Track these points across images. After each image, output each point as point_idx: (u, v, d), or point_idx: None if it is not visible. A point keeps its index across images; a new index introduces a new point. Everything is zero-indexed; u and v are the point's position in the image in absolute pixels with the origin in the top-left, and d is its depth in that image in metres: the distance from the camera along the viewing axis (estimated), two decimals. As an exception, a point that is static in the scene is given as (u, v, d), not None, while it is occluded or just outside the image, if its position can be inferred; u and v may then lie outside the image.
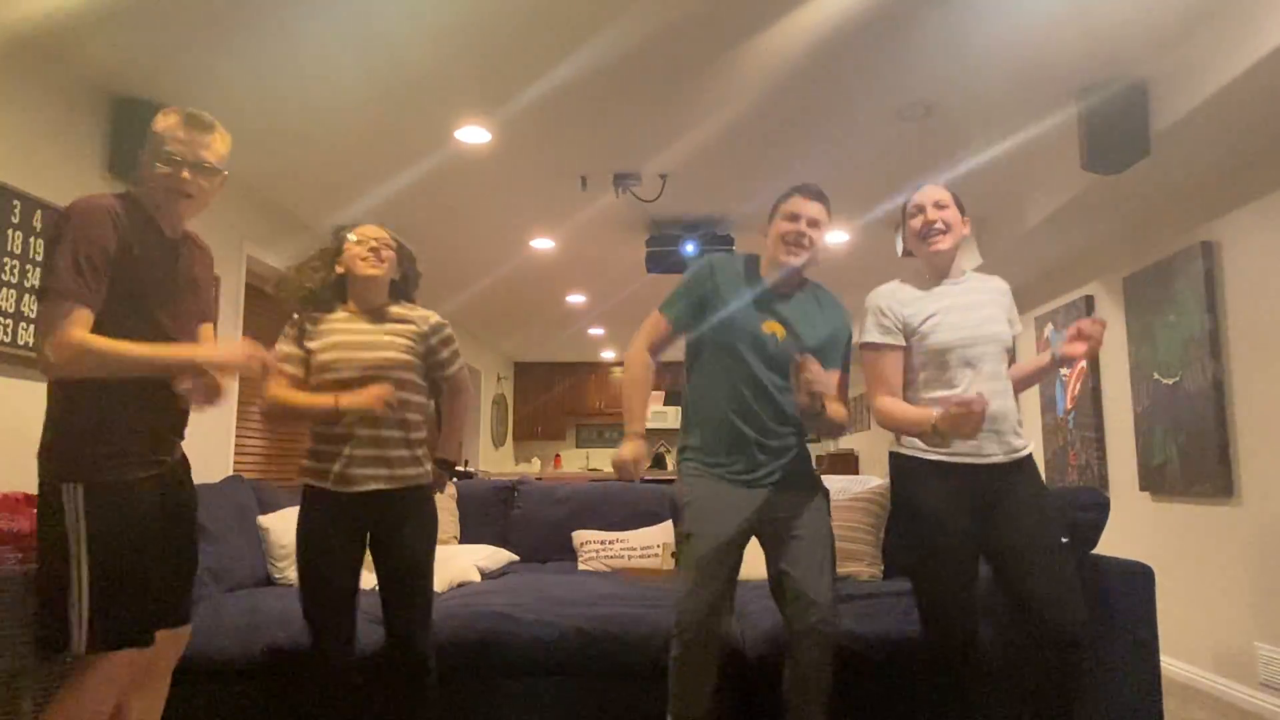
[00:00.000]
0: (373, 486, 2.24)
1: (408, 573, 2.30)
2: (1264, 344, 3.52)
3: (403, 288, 2.50)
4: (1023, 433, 2.31)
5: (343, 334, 2.34)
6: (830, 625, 2.20)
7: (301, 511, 2.27)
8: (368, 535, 2.30)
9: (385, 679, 2.31)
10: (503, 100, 3.47)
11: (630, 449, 2.29)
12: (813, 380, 2.08)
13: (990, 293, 2.38)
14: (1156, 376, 4.20)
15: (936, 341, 2.29)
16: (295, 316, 2.40)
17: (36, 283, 2.96)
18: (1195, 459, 3.89)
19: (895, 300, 2.37)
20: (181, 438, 2.10)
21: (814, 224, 2.33)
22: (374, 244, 2.35)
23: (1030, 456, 2.30)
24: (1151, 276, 4.24)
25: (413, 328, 2.41)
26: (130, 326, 1.90)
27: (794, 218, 2.33)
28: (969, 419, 2.01)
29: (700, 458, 2.33)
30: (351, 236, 2.38)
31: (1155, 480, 4.22)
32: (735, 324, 2.30)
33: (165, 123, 2.00)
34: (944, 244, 2.34)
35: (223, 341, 1.99)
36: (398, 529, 2.29)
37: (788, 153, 4.04)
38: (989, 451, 2.25)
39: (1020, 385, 2.42)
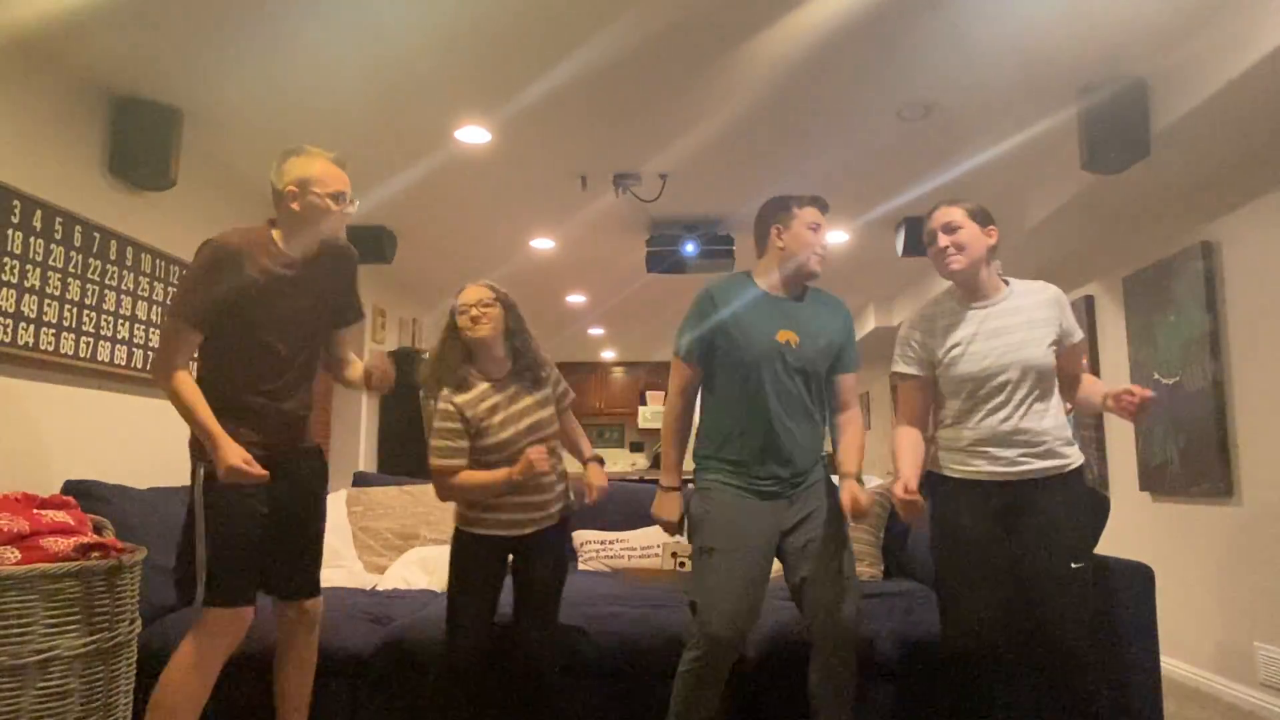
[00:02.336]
0: (531, 530, 2.47)
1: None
2: (1264, 344, 3.52)
3: (513, 340, 2.51)
4: (1067, 450, 2.28)
5: (501, 409, 2.44)
6: (853, 634, 2.24)
7: (461, 547, 2.49)
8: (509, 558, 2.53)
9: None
10: (503, 100, 3.47)
11: (669, 507, 2.39)
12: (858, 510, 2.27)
13: (1031, 310, 2.31)
14: (1156, 376, 4.19)
15: (960, 373, 2.32)
16: (450, 409, 2.44)
17: (36, 282, 2.96)
18: (1195, 459, 3.89)
19: (923, 330, 2.40)
20: (298, 430, 2.35)
21: (824, 232, 2.41)
22: (473, 311, 2.43)
23: (1072, 473, 2.27)
24: (1151, 276, 4.24)
25: (547, 384, 2.54)
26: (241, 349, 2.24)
27: (816, 228, 2.37)
28: (910, 509, 2.18)
29: (723, 470, 2.32)
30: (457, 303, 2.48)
31: (1155, 480, 4.22)
32: (752, 341, 2.30)
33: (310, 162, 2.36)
34: (957, 266, 2.33)
35: (226, 449, 2.08)
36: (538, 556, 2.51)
37: (788, 153, 4.04)
38: (1020, 465, 2.27)
39: (1082, 405, 2.39)
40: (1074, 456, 2.28)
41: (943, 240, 2.33)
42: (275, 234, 2.36)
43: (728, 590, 2.18)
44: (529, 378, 2.49)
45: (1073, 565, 2.19)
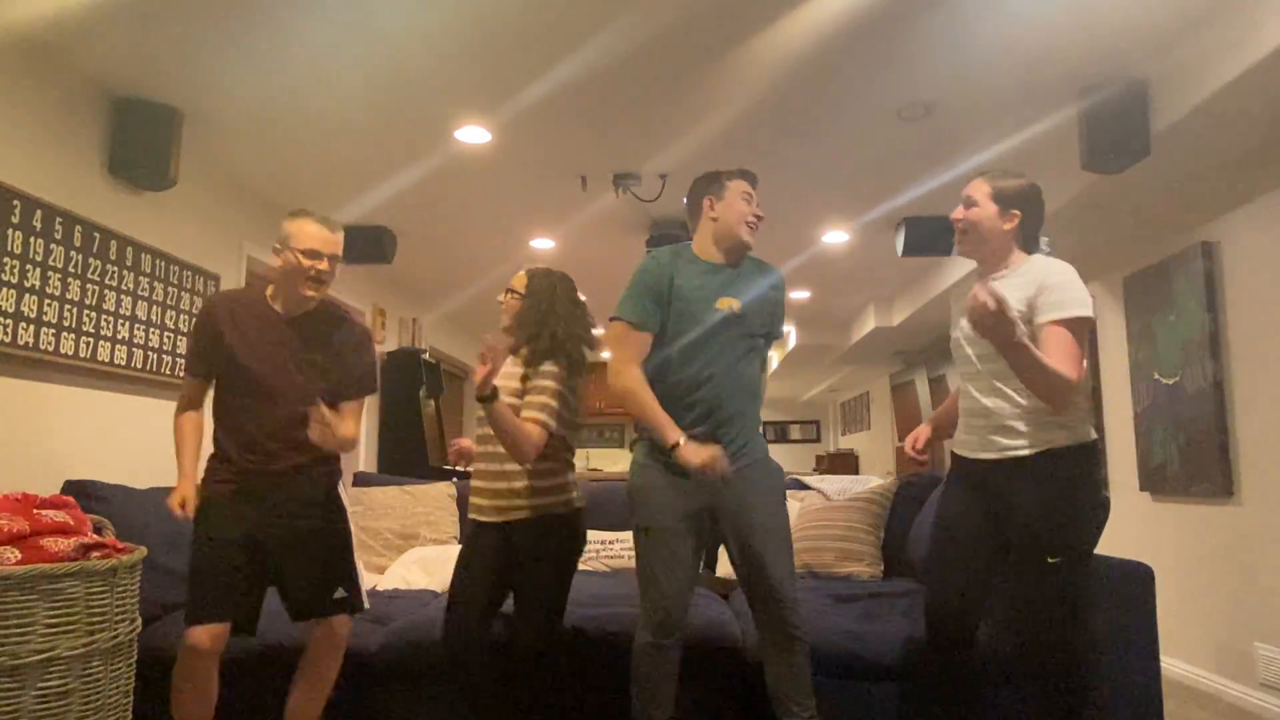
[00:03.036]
0: (498, 519, 2.51)
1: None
2: (1264, 344, 3.52)
3: (526, 329, 2.57)
4: (1036, 432, 2.15)
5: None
6: (794, 602, 2.26)
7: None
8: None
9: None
10: (503, 100, 3.47)
11: (694, 450, 2.18)
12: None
13: (1018, 288, 2.18)
14: (1156, 376, 4.20)
15: (951, 341, 2.38)
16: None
17: (36, 282, 2.96)
18: (1195, 459, 3.89)
19: (954, 297, 2.45)
20: (287, 467, 2.42)
21: (758, 204, 2.46)
22: (500, 298, 2.63)
23: (1036, 457, 2.15)
24: (1151, 276, 4.24)
25: (515, 371, 2.53)
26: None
27: (749, 199, 2.43)
28: (709, 466, 2.15)
29: (659, 450, 2.31)
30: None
31: (1155, 480, 4.22)
32: (695, 309, 2.33)
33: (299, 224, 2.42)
34: (959, 247, 2.34)
35: (176, 488, 2.35)
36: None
37: (788, 152, 4.04)
38: (976, 449, 2.27)
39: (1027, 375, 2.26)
40: (1044, 441, 2.14)
41: (956, 212, 2.31)
42: (269, 291, 2.50)
43: (664, 570, 2.25)
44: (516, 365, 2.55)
45: (1049, 561, 2.10)
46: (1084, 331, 2.13)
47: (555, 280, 2.61)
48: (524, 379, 2.49)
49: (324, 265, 2.40)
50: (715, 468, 2.15)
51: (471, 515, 2.55)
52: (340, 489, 2.52)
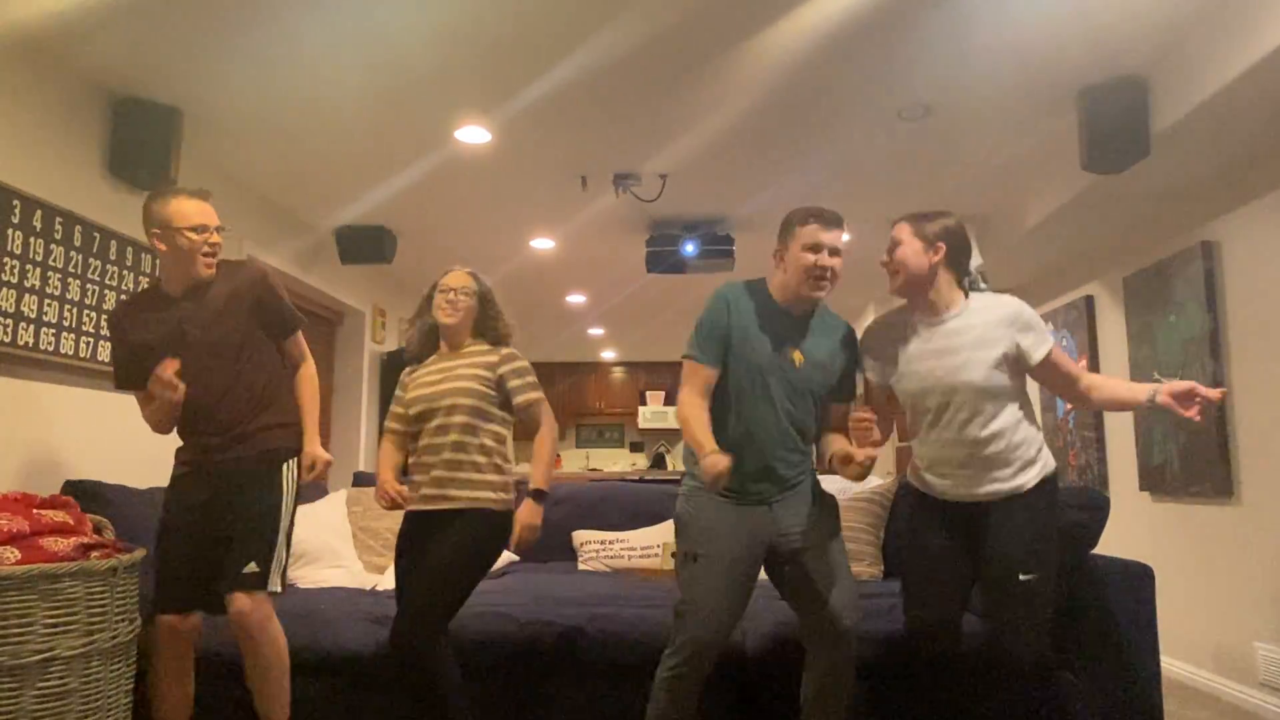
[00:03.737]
0: (430, 507, 2.48)
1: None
2: (1264, 344, 3.52)
3: (484, 327, 2.64)
4: (1017, 475, 2.23)
5: (424, 376, 2.59)
6: (853, 641, 2.23)
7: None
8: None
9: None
10: (503, 100, 3.47)
11: (713, 460, 2.08)
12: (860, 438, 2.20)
13: (982, 328, 2.24)
14: (1156, 376, 4.19)
15: (902, 390, 2.35)
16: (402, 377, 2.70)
17: (36, 282, 2.96)
18: (1195, 459, 3.89)
19: (878, 341, 2.41)
20: (229, 442, 2.45)
21: (835, 253, 2.28)
22: (451, 294, 2.57)
23: (1026, 491, 2.23)
24: (1151, 276, 4.24)
25: (485, 359, 2.56)
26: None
27: (816, 248, 2.25)
28: (715, 477, 2.08)
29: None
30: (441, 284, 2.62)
31: (1155, 480, 4.22)
32: (758, 356, 2.27)
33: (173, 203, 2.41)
34: (890, 287, 2.38)
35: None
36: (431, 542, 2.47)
37: (788, 153, 4.04)
38: (953, 493, 2.29)
39: (1107, 406, 2.36)
40: (1026, 479, 2.23)
41: (883, 257, 2.38)
42: (158, 280, 2.52)
43: (711, 595, 2.17)
44: (472, 355, 2.59)
45: (1021, 577, 2.16)
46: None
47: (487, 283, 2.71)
48: (495, 367, 2.54)
49: (216, 238, 2.44)
50: (719, 477, 2.08)
51: (446, 504, 2.48)
52: (287, 465, 2.48)
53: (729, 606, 2.18)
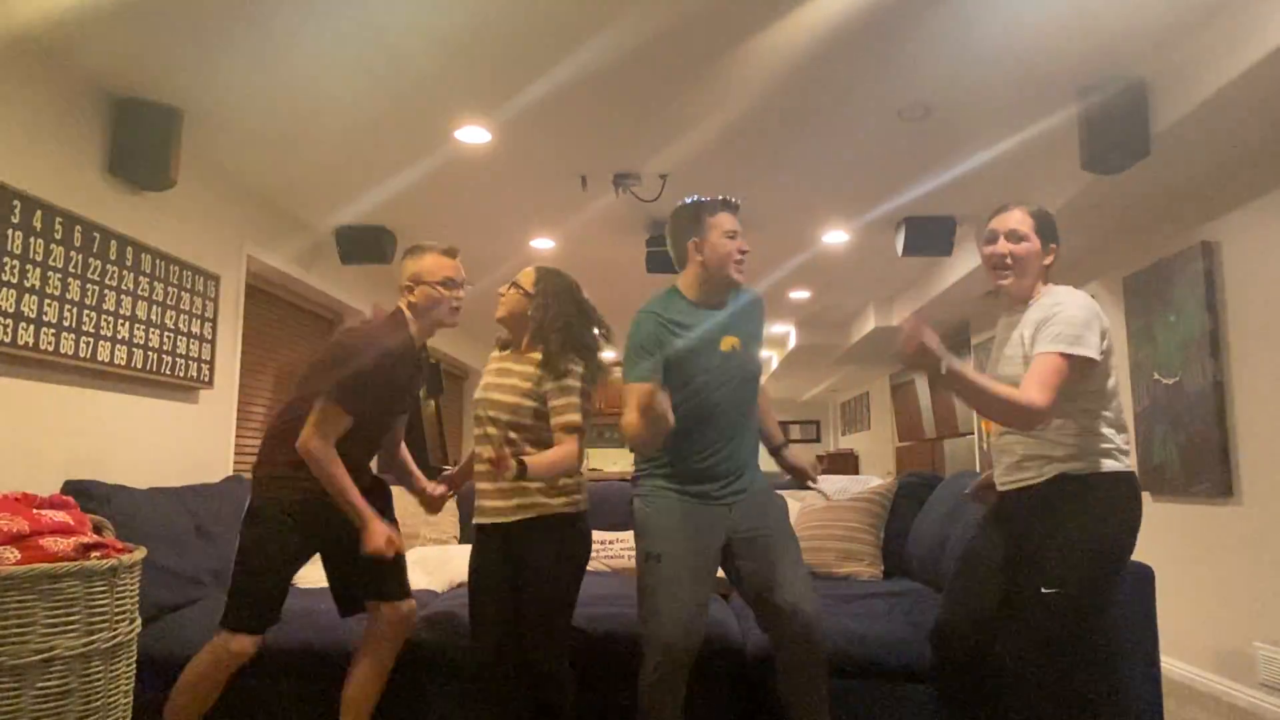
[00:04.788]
0: (494, 520, 2.41)
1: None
2: (1264, 344, 3.52)
3: (541, 330, 2.46)
4: (1044, 463, 2.16)
5: (486, 380, 2.53)
6: (816, 624, 2.22)
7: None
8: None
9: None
10: (503, 100, 3.47)
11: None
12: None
13: (1026, 324, 2.18)
14: (1156, 376, 4.20)
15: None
16: None
17: (36, 282, 2.96)
18: (1195, 459, 3.89)
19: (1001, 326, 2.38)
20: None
21: (742, 236, 2.37)
22: (502, 290, 2.54)
23: (1042, 486, 2.15)
24: (1151, 276, 4.25)
25: (526, 371, 2.43)
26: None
27: (734, 235, 2.35)
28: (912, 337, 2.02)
29: (669, 478, 2.31)
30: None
31: (1155, 480, 4.22)
32: (699, 358, 2.30)
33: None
34: (1005, 283, 2.26)
35: (375, 525, 2.31)
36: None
37: (787, 153, 4.05)
38: (1006, 477, 2.27)
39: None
40: (1051, 469, 2.13)
41: (1002, 247, 2.24)
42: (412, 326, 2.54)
43: (677, 598, 2.18)
44: (526, 363, 2.47)
45: (1042, 591, 2.05)
46: (1074, 368, 2.07)
47: (568, 283, 2.56)
48: (540, 380, 2.41)
49: (461, 293, 2.54)
50: (654, 408, 2.06)
51: (475, 519, 2.47)
52: (258, 500, 2.41)
53: (695, 604, 2.20)
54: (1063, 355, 2.06)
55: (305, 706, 2.63)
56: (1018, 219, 2.24)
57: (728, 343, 2.33)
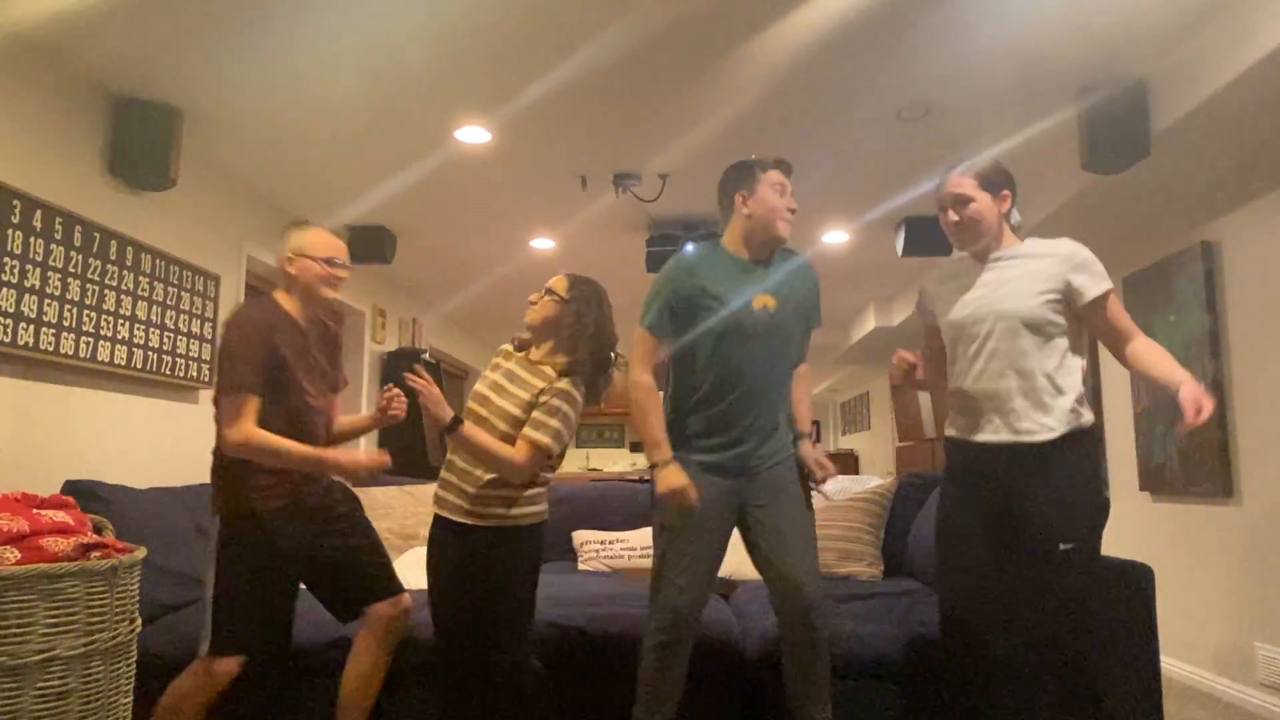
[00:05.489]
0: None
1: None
2: (1264, 344, 3.52)
3: (573, 338, 2.37)
4: (1052, 418, 2.12)
5: (490, 375, 2.45)
6: (819, 603, 2.24)
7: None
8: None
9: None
10: (503, 100, 3.47)
11: (673, 475, 2.22)
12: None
13: (1033, 263, 2.19)
14: (1156, 376, 4.19)
15: (947, 320, 2.31)
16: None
17: (36, 282, 2.96)
18: (1195, 459, 3.89)
19: (934, 281, 2.40)
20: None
21: (792, 194, 2.40)
22: (533, 297, 2.44)
23: (1053, 442, 2.11)
24: (1151, 276, 4.24)
25: (534, 383, 2.34)
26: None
27: (783, 190, 2.37)
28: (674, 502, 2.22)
29: (687, 445, 2.32)
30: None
31: (1155, 480, 4.22)
32: (729, 309, 2.29)
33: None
34: (970, 246, 2.29)
35: (343, 460, 2.32)
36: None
37: (788, 152, 3.99)
38: (989, 432, 2.19)
39: (1142, 376, 2.17)
40: (1058, 426, 2.12)
41: (953, 216, 2.26)
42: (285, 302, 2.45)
43: (686, 566, 2.24)
44: (534, 373, 2.38)
45: (1061, 547, 2.05)
46: None
47: (600, 292, 2.47)
48: (540, 391, 2.30)
49: (342, 273, 2.45)
50: (681, 501, 2.22)
51: (436, 509, 2.36)
52: (222, 524, 2.34)
53: (703, 574, 2.27)
54: (1112, 290, 2.19)
55: (305, 705, 2.62)
56: (957, 183, 2.27)
57: (760, 300, 2.32)
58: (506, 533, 2.29)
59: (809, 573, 2.25)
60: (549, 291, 2.44)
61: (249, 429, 2.22)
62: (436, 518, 2.35)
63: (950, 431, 2.35)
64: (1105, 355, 4.70)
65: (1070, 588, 2.08)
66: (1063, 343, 2.18)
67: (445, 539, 2.32)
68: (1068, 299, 2.17)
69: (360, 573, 2.44)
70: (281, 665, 2.42)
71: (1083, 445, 2.16)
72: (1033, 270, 2.19)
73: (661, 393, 2.39)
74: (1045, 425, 2.13)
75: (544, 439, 2.24)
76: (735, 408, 2.30)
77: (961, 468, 2.29)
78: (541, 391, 2.30)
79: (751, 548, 2.34)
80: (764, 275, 2.37)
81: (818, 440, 14.73)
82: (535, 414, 2.27)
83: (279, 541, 2.30)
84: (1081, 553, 2.09)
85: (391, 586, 2.48)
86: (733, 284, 2.32)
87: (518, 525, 2.30)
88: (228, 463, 2.30)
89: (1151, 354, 2.14)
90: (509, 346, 2.51)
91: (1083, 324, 2.22)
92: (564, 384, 2.30)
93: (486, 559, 2.29)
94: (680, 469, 2.24)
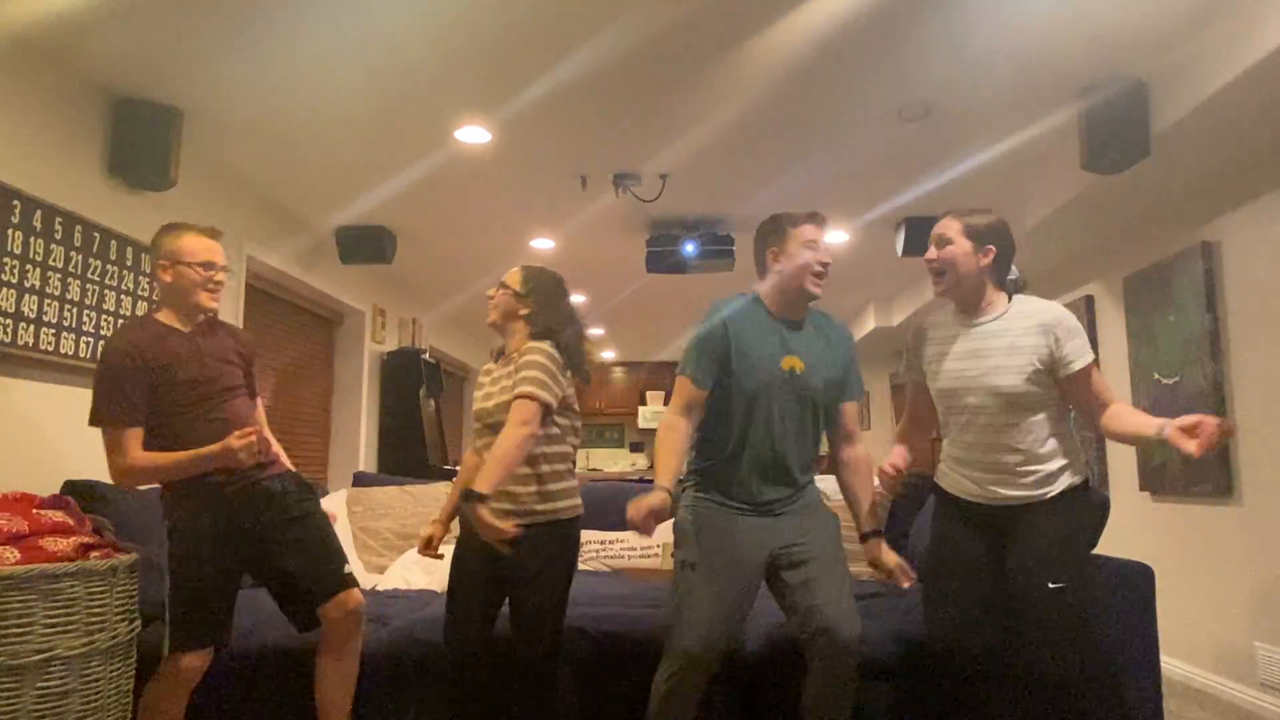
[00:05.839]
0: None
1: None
2: (1264, 344, 3.52)
3: (535, 326, 2.43)
4: (1047, 482, 2.18)
5: (481, 388, 2.49)
6: (855, 656, 2.14)
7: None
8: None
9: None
10: (503, 100, 3.47)
11: (653, 496, 2.11)
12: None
13: (1017, 334, 2.20)
14: (1156, 376, 4.20)
15: (935, 388, 2.34)
16: None
17: (36, 282, 2.96)
18: (1195, 459, 3.88)
19: (918, 339, 2.41)
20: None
21: (827, 250, 2.33)
22: (490, 293, 2.48)
23: (1051, 499, 2.17)
24: (1151, 276, 4.24)
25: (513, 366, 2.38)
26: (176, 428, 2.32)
27: (814, 246, 2.30)
28: (889, 482, 2.30)
29: (713, 486, 2.29)
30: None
31: (1155, 480, 4.22)
32: (761, 370, 2.26)
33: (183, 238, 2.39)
34: (937, 289, 2.31)
35: (221, 444, 2.23)
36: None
37: (788, 153, 4.05)
38: (978, 496, 2.25)
39: (1117, 439, 2.21)
40: (1056, 486, 2.18)
41: (930, 253, 2.31)
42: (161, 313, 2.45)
43: (706, 608, 2.13)
44: (510, 363, 2.42)
45: (1050, 586, 2.09)
46: None
47: (557, 280, 2.51)
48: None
49: (220, 276, 2.44)
50: (640, 516, 2.07)
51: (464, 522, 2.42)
52: (168, 520, 2.37)
53: (724, 619, 2.14)
54: (1093, 363, 2.20)
55: (288, 709, 2.61)
56: (945, 224, 2.31)
57: (789, 362, 2.28)
58: (553, 526, 2.36)
59: (844, 615, 2.14)
60: (503, 286, 2.49)
61: (129, 460, 2.24)
62: (530, 525, 2.33)
63: (940, 481, 2.39)
64: (1104, 357, 4.70)
65: (1051, 626, 2.10)
66: (1051, 410, 2.21)
67: (548, 539, 2.35)
68: (1049, 368, 2.18)
69: (303, 564, 2.38)
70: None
71: (1075, 497, 2.19)
72: (1016, 345, 2.19)
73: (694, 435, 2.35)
74: (1037, 493, 2.19)
75: (526, 388, 2.27)
76: (758, 464, 2.26)
77: (952, 513, 2.33)
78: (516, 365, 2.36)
79: (781, 590, 2.25)
80: (796, 336, 2.32)
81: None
82: (514, 378, 2.33)
83: (216, 543, 2.30)
84: (1071, 593, 2.11)
85: (338, 582, 2.40)
86: (765, 344, 2.29)
87: (559, 519, 2.37)
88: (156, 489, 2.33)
89: (1127, 416, 2.17)
90: (490, 363, 2.56)
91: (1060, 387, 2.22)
92: (530, 345, 2.36)
93: (574, 546, 2.41)
94: (664, 496, 2.13)
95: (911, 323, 6.93)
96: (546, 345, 2.36)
